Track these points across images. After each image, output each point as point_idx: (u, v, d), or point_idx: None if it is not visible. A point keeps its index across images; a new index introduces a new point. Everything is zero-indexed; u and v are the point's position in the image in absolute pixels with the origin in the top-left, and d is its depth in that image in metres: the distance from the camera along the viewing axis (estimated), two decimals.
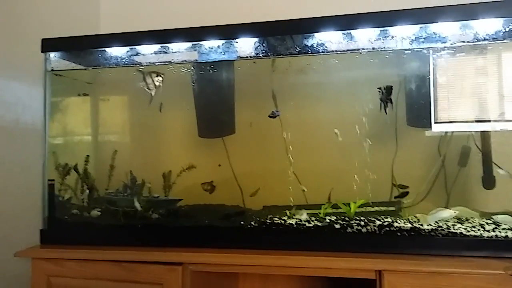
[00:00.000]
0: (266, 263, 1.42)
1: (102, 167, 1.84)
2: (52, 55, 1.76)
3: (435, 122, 1.53)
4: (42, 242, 1.64)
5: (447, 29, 1.48)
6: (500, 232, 1.35)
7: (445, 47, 1.51)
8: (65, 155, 1.80)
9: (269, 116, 1.69)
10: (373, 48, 1.56)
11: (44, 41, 1.71)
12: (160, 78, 1.68)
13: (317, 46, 1.58)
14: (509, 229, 1.37)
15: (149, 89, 1.69)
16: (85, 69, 1.86)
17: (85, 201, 1.77)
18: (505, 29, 1.43)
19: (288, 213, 1.63)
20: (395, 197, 1.63)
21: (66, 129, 1.94)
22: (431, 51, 1.52)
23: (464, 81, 1.53)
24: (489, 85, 1.51)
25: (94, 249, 1.53)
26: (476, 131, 1.59)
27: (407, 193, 1.61)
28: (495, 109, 1.51)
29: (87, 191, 1.77)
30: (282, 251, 1.43)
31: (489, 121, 1.51)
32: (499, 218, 1.45)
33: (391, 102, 1.57)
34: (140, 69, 1.72)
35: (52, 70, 1.75)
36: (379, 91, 1.57)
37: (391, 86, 1.56)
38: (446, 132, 1.63)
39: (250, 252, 1.44)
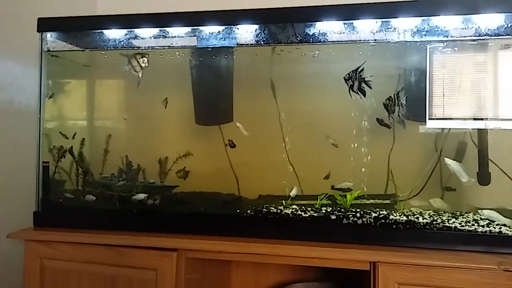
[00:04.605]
0: (261, 252, 1.42)
1: (97, 151, 1.82)
2: (49, 35, 1.72)
3: (430, 119, 1.53)
4: (35, 224, 1.62)
5: (445, 23, 1.48)
6: (494, 227, 1.36)
7: (441, 41, 1.50)
8: (60, 138, 1.78)
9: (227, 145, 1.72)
10: (374, 40, 1.55)
11: (40, 21, 1.68)
12: (145, 59, 1.66)
13: (317, 35, 1.57)
14: (503, 224, 1.39)
15: (136, 71, 1.67)
16: (82, 50, 1.83)
17: (80, 185, 1.76)
18: (507, 24, 1.43)
19: (284, 203, 1.63)
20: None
21: (61, 112, 1.91)
22: (427, 46, 1.52)
23: (460, 77, 1.53)
24: (484, 82, 1.51)
25: (88, 232, 1.52)
26: (470, 128, 1.59)
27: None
28: (490, 107, 1.51)
29: (82, 174, 1.75)
30: (277, 240, 1.43)
31: (484, 119, 1.51)
32: (484, 213, 1.47)
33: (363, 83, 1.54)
34: (124, 53, 1.70)
35: (48, 50, 1.72)
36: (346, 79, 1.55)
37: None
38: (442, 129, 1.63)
39: (245, 240, 1.44)
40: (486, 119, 1.50)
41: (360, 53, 1.59)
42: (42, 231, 1.56)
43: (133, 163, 1.77)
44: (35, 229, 1.59)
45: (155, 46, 1.72)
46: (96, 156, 1.82)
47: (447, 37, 1.51)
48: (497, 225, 1.38)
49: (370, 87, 1.53)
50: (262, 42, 1.62)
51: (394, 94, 1.52)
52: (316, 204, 1.59)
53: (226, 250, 1.44)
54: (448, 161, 1.51)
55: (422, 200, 1.60)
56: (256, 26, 1.60)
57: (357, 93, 1.53)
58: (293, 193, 1.62)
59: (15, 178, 1.77)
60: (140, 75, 1.68)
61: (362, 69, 1.52)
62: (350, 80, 1.53)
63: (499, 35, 1.46)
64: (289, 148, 1.77)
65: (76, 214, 1.65)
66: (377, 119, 1.59)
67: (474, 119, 1.51)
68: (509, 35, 1.45)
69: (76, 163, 1.75)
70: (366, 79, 1.52)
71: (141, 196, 1.65)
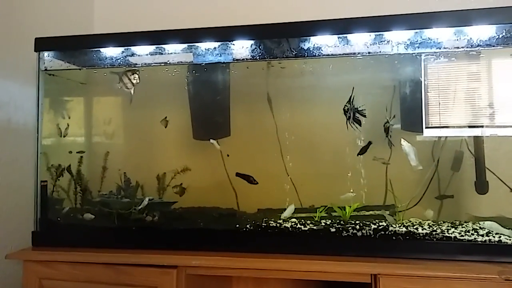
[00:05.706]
0: (261, 267, 1.42)
1: (95, 169, 1.81)
2: (46, 54, 1.73)
3: (426, 127, 1.55)
4: (34, 244, 1.61)
5: (439, 35, 1.50)
6: (493, 236, 1.36)
7: (436, 52, 1.53)
8: (58, 156, 1.78)
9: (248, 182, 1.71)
10: (368, 53, 1.57)
11: (38, 40, 1.69)
12: (136, 76, 1.68)
13: (312, 49, 1.59)
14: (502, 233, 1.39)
15: (128, 88, 1.68)
16: (79, 69, 1.84)
17: (78, 203, 1.75)
18: (498, 35, 1.45)
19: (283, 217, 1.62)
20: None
21: (59, 130, 1.91)
22: (422, 57, 1.54)
23: (456, 86, 1.55)
24: (480, 91, 1.53)
25: (87, 251, 1.51)
26: (466, 136, 1.60)
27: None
28: (486, 115, 1.52)
29: (80, 192, 1.75)
30: (277, 255, 1.43)
31: (480, 126, 1.52)
32: (485, 224, 1.47)
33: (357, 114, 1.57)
34: (114, 71, 1.71)
35: (46, 69, 1.73)
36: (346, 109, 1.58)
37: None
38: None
39: (244, 256, 1.44)
40: (482, 126, 1.52)
41: (359, 60, 1.61)
42: (40, 251, 1.55)
43: (131, 179, 1.76)
44: (34, 249, 1.58)
45: (151, 63, 1.73)
46: (94, 173, 1.81)
47: (440, 48, 1.53)
48: (496, 234, 1.39)
49: (365, 116, 1.56)
50: (258, 57, 1.63)
51: (386, 119, 1.56)
52: (315, 217, 1.59)
53: (226, 266, 1.43)
54: (404, 142, 1.54)
55: (421, 210, 1.61)
56: (252, 42, 1.61)
57: (352, 125, 1.57)
58: (288, 212, 1.62)
59: (13, 197, 1.76)
60: (132, 92, 1.69)
61: (352, 98, 1.56)
62: (348, 112, 1.55)
63: (491, 46, 1.49)
64: (287, 161, 1.77)
65: (75, 233, 1.64)
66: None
67: (470, 127, 1.53)
68: (499, 45, 1.48)
69: (75, 181, 1.75)
70: (359, 108, 1.56)
71: (146, 201, 1.65)
